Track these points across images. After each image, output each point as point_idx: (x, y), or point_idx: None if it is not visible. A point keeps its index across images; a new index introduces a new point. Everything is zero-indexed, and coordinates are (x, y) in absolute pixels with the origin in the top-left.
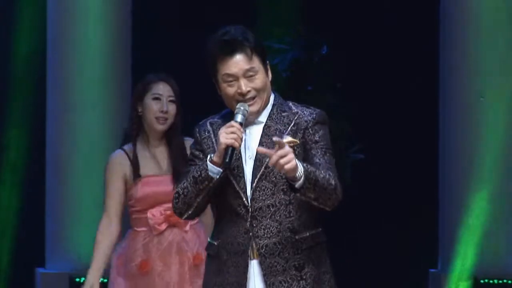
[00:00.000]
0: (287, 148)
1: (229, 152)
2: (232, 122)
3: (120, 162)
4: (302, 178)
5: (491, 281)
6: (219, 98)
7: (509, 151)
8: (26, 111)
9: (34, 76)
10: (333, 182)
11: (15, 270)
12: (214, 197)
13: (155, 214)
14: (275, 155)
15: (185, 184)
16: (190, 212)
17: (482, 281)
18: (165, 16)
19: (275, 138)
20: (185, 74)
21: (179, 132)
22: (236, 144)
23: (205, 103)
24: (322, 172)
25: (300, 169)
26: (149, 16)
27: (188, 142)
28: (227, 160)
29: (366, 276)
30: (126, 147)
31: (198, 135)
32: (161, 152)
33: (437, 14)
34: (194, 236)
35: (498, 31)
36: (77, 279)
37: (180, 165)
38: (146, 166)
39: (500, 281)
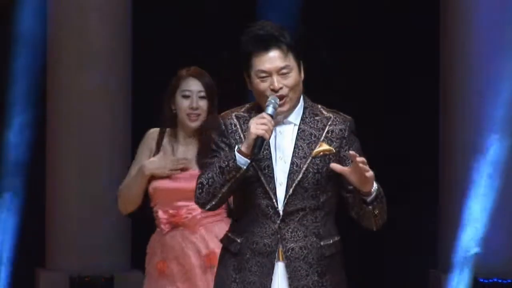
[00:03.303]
0: (365, 164)
1: (259, 142)
2: (264, 114)
3: (153, 137)
4: (375, 193)
5: (491, 281)
6: (225, 92)
7: (509, 151)
8: (26, 110)
9: (33, 77)
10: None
11: (15, 270)
12: (239, 193)
13: (160, 214)
14: (365, 170)
15: (210, 174)
16: (213, 203)
17: (482, 281)
18: (166, 14)
19: (358, 158)
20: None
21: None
22: (267, 135)
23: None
24: None
25: (374, 183)
26: (150, 14)
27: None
28: (256, 151)
29: (366, 276)
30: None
31: (224, 127)
32: (186, 151)
33: (438, 13)
34: (208, 235)
35: (499, 30)
36: (78, 279)
37: None
38: None
39: (500, 281)
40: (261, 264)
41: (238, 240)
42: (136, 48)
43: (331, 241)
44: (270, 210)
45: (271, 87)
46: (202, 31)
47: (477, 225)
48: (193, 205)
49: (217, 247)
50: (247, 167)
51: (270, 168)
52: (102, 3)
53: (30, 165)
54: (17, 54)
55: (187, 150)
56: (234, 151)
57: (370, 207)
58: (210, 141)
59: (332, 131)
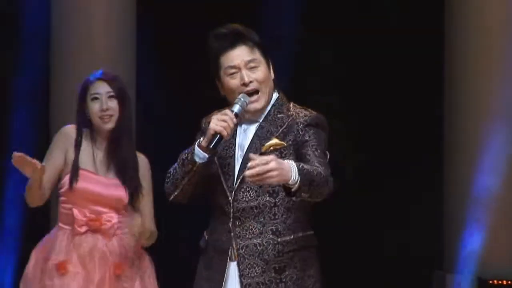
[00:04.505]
0: (268, 165)
1: (216, 139)
2: (227, 111)
3: (70, 135)
4: (298, 182)
5: (496, 282)
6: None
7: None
8: (29, 112)
9: (37, 77)
10: (323, 173)
11: (19, 273)
12: (210, 191)
13: (79, 215)
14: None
15: (175, 165)
16: (176, 193)
17: (487, 281)
18: (169, 15)
19: (251, 155)
20: (188, 73)
21: (127, 132)
22: (224, 132)
23: (208, 101)
24: (314, 166)
25: (294, 172)
26: (154, 15)
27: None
28: (211, 146)
29: (371, 276)
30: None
31: (203, 125)
32: (100, 155)
33: (442, 14)
34: (120, 246)
35: (502, 29)
36: None
37: (125, 170)
38: (86, 160)
39: (506, 281)
40: (220, 261)
41: (206, 238)
42: (141, 49)
43: (292, 237)
44: (228, 207)
45: (241, 81)
46: (206, 33)
47: (482, 226)
48: (111, 213)
49: (123, 261)
50: (205, 162)
51: (231, 166)
52: (106, 3)
53: None
54: (20, 53)
55: (100, 155)
56: (195, 144)
57: (294, 197)
58: (129, 148)
59: (291, 126)
